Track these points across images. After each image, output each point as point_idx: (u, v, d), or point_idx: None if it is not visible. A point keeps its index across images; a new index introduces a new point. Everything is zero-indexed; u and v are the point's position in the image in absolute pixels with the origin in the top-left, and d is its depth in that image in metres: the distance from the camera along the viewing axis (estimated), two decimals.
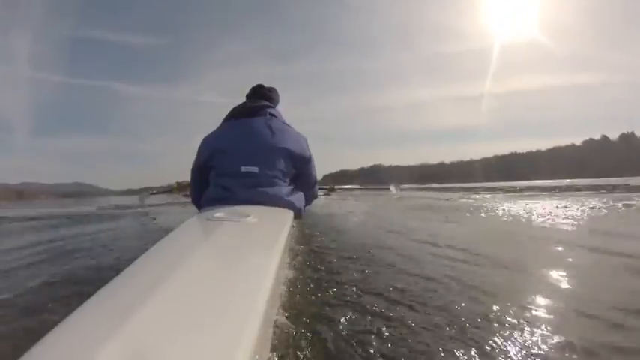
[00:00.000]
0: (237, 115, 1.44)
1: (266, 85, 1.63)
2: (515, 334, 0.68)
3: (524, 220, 2.61)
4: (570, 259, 1.35)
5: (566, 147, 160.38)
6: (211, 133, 1.44)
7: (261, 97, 1.53)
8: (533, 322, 0.73)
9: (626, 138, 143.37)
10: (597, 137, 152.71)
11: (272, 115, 1.43)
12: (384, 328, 0.71)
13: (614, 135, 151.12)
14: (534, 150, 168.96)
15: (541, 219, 2.57)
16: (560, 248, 1.54)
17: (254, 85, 1.62)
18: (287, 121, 1.49)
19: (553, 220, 2.50)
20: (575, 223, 2.34)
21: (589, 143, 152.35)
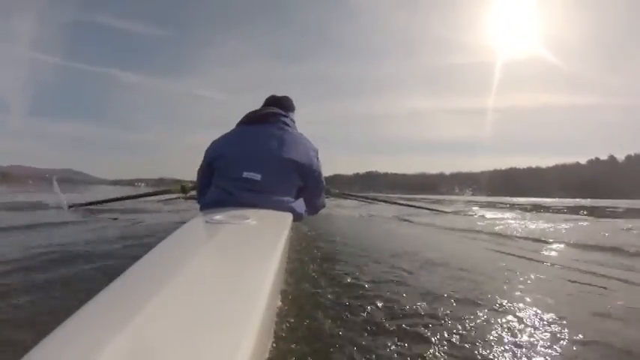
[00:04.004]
0: (249, 120, 1.43)
1: (278, 94, 1.63)
2: None
3: None
4: None
5: (571, 165, 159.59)
6: (221, 136, 1.44)
7: (275, 106, 1.52)
8: None
9: (635, 159, 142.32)
10: (603, 157, 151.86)
11: (285, 123, 1.42)
12: (385, 329, 0.70)
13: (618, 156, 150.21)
14: (534, 166, 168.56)
15: None
16: None
17: (268, 96, 1.62)
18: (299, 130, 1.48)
19: None
20: None
21: (594, 163, 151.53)
